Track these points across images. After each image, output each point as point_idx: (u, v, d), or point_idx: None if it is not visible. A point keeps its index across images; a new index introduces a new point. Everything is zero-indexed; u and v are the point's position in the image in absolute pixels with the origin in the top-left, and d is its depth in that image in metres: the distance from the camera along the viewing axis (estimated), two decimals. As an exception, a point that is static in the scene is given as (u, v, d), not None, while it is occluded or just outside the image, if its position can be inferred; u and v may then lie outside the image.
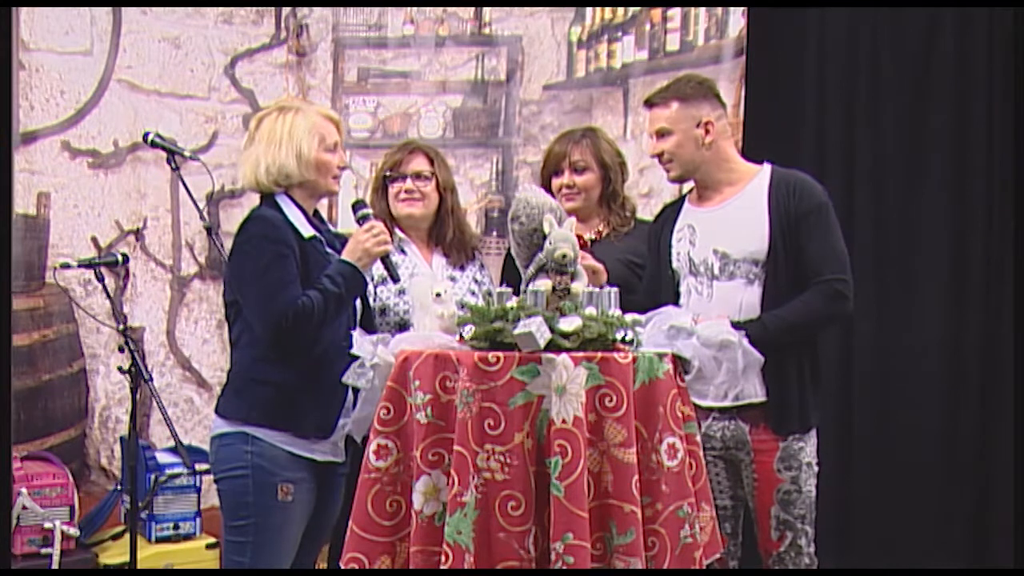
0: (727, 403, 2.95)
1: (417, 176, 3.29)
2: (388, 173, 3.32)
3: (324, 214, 3.05)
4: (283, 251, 2.71)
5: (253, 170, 2.84)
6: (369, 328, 2.87)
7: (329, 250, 2.85)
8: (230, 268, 2.83)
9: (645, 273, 3.21)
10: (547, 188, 3.31)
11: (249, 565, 2.74)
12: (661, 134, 3.02)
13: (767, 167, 3.04)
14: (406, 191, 3.29)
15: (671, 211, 3.17)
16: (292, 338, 2.69)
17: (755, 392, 2.92)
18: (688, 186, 3.18)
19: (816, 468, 2.99)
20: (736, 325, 2.82)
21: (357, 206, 2.95)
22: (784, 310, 2.89)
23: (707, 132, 2.98)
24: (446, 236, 3.33)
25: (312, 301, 2.69)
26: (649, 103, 3.06)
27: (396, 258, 3.14)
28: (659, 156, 3.04)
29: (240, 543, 2.74)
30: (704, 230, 3.01)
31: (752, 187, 2.99)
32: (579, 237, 3.26)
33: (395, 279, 2.96)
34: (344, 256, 2.81)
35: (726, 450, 3.00)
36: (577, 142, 3.35)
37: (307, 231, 2.81)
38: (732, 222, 2.97)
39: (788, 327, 2.88)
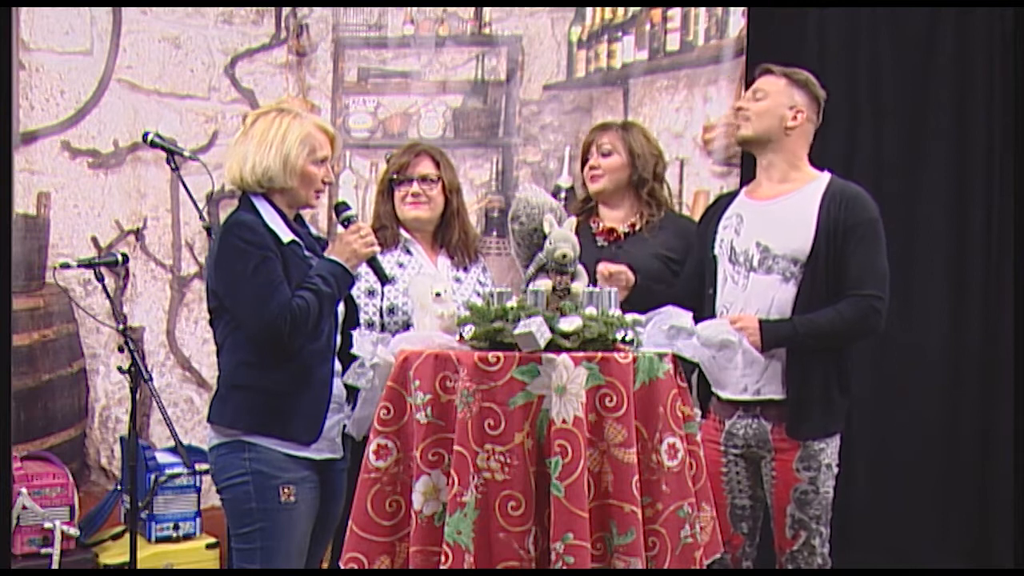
0: (747, 396, 2.97)
1: (423, 179, 3.28)
2: (394, 176, 3.31)
3: (323, 216, 3.04)
4: (267, 254, 2.69)
5: (240, 166, 2.81)
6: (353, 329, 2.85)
7: (308, 254, 2.81)
8: (216, 275, 2.77)
9: (691, 258, 3.24)
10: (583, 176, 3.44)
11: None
12: (756, 96, 3.07)
13: (827, 175, 3.07)
14: (412, 194, 3.27)
15: (725, 200, 3.22)
16: (291, 339, 2.67)
17: (775, 390, 2.96)
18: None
19: (836, 470, 3.01)
20: (765, 322, 2.90)
21: (340, 208, 2.93)
22: (816, 315, 2.92)
23: (794, 118, 3.03)
24: (451, 238, 3.32)
25: (307, 302, 2.67)
26: (764, 71, 3.12)
27: (397, 261, 3.13)
28: (739, 110, 3.10)
29: (249, 550, 2.72)
30: (751, 221, 3.05)
31: (807, 190, 3.02)
32: (613, 231, 3.32)
33: (383, 280, 2.96)
34: (333, 256, 2.79)
35: (748, 448, 3.02)
36: (607, 129, 3.41)
37: (286, 235, 2.77)
38: (780, 218, 3.00)
39: (817, 333, 2.91)
